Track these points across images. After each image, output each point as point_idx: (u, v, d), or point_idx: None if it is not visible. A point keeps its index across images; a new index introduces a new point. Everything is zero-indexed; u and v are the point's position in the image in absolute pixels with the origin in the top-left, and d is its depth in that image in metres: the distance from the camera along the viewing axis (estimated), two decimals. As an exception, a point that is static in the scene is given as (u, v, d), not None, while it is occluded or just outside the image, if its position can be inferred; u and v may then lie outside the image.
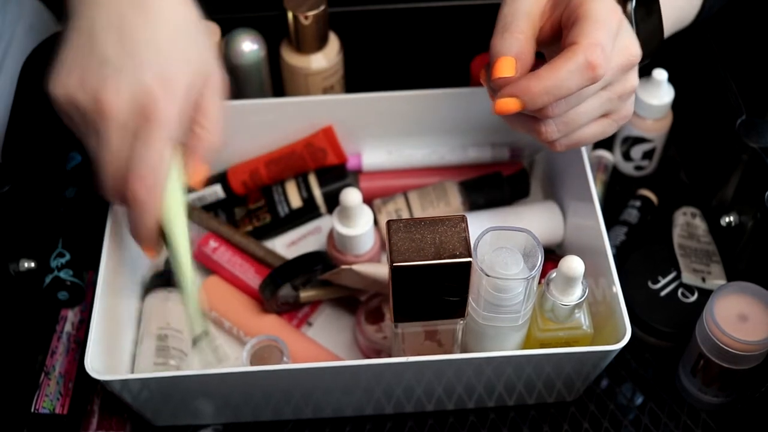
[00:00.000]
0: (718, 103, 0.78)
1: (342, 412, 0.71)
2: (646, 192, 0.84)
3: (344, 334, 0.76)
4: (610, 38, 0.55)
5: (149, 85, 0.56)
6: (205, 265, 0.78)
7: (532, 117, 0.60)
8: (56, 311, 0.75)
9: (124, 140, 0.56)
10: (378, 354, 0.73)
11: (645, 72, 0.81)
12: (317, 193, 0.80)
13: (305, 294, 0.74)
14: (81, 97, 0.56)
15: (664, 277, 0.76)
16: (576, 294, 0.62)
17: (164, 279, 0.74)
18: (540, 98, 0.55)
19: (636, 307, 0.74)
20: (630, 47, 0.57)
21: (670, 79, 0.82)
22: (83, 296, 0.74)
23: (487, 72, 0.59)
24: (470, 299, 0.59)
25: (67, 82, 0.56)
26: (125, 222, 0.61)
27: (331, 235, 0.76)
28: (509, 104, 0.55)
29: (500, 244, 0.58)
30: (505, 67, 0.57)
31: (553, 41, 0.59)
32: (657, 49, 0.63)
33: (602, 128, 0.61)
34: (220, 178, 0.81)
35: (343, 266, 0.70)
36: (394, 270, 0.54)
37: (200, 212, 0.79)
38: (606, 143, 0.88)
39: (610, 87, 0.58)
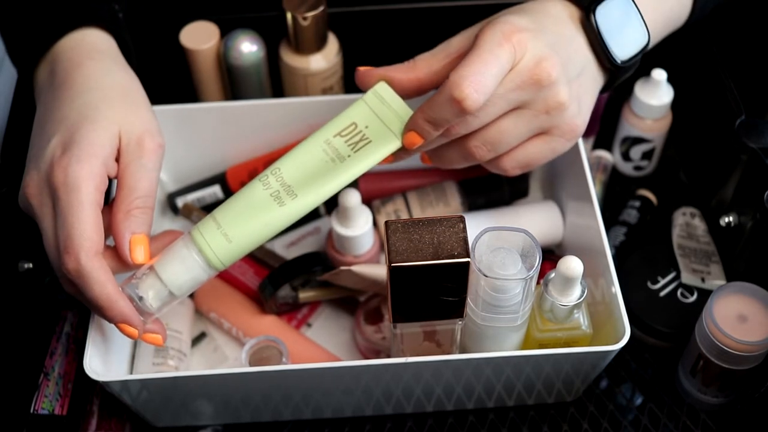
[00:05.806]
0: (718, 104, 0.78)
1: (341, 412, 0.71)
2: (645, 192, 0.84)
3: (343, 334, 0.76)
4: (490, 68, 0.56)
5: (50, 154, 0.56)
6: (205, 265, 0.78)
7: (459, 146, 0.62)
8: (55, 311, 0.75)
9: (51, 219, 0.57)
10: (377, 354, 0.73)
11: (644, 72, 0.81)
12: (316, 193, 0.80)
13: (304, 295, 0.74)
14: (19, 199, 0.59)
15: (663, 277, 0.76)
16: (575, 294, 0.62)
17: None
18: (425, 128, 0.59)
19: (635, 307, 0.74)
20: (536, 66, 0.58)
21: (670, 80, 0.82)
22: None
23: None
24: (468, 300, 0.59)
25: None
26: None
27: (331, 236, 0.76)
28: (410, 137, 0.60)
29: (498, 245, 0.58)
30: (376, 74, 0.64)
31: None
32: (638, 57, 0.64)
33: (548, 145, 0.63)
34: (220, 178, 0.81)
35: (342, 267, 0.70)
36: (392, 270, 0.54)
37: (199, 212, 0.79)
38: (605, 143, 0.88)
39: (530, 105, 0.60)
